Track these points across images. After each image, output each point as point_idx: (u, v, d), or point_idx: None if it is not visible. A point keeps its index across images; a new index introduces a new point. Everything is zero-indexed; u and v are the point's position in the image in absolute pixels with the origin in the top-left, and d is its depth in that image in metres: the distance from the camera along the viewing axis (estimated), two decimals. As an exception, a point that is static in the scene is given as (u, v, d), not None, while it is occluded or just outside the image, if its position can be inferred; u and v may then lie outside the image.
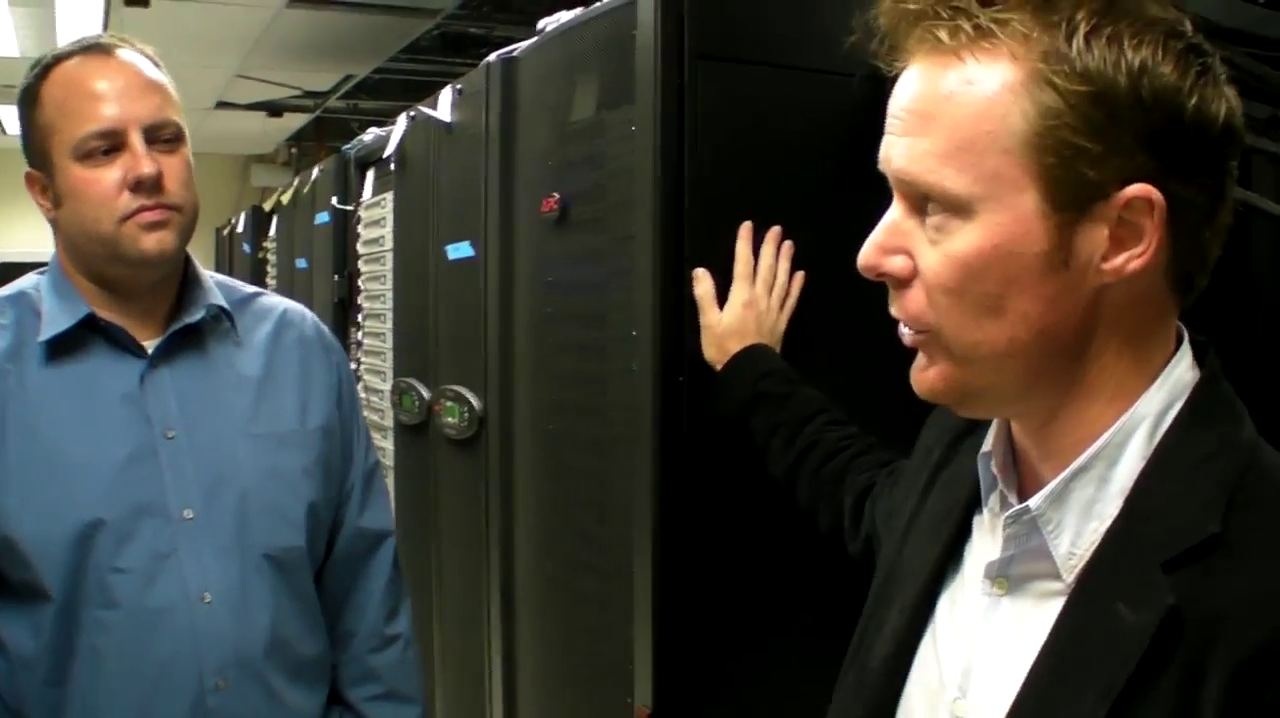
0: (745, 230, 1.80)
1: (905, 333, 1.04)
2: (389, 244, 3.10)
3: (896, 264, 1.01)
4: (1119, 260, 0.95)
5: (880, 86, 1.87)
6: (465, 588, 2.54)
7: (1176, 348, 1.03)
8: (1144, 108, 0.92)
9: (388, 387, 3.07)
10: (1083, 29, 0.92)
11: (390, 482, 3.10)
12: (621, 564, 1.90)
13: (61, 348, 1.71)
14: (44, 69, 1.72)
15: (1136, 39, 0.92)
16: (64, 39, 1.82)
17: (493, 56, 2.36)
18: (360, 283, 3.41)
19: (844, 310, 1.83)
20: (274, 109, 7.90)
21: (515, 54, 2.31)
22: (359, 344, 3.42)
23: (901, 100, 1.00)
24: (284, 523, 1.80)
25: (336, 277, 3.67)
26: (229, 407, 1.79)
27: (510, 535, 2.32)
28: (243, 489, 1.75)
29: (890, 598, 1.20)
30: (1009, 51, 0.94)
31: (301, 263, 4.30)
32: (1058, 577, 1.01)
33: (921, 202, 0.99)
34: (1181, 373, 1.01)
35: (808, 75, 1.87)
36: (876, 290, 1.10)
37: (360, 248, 3.39)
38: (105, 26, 5.69)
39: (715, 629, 1.83)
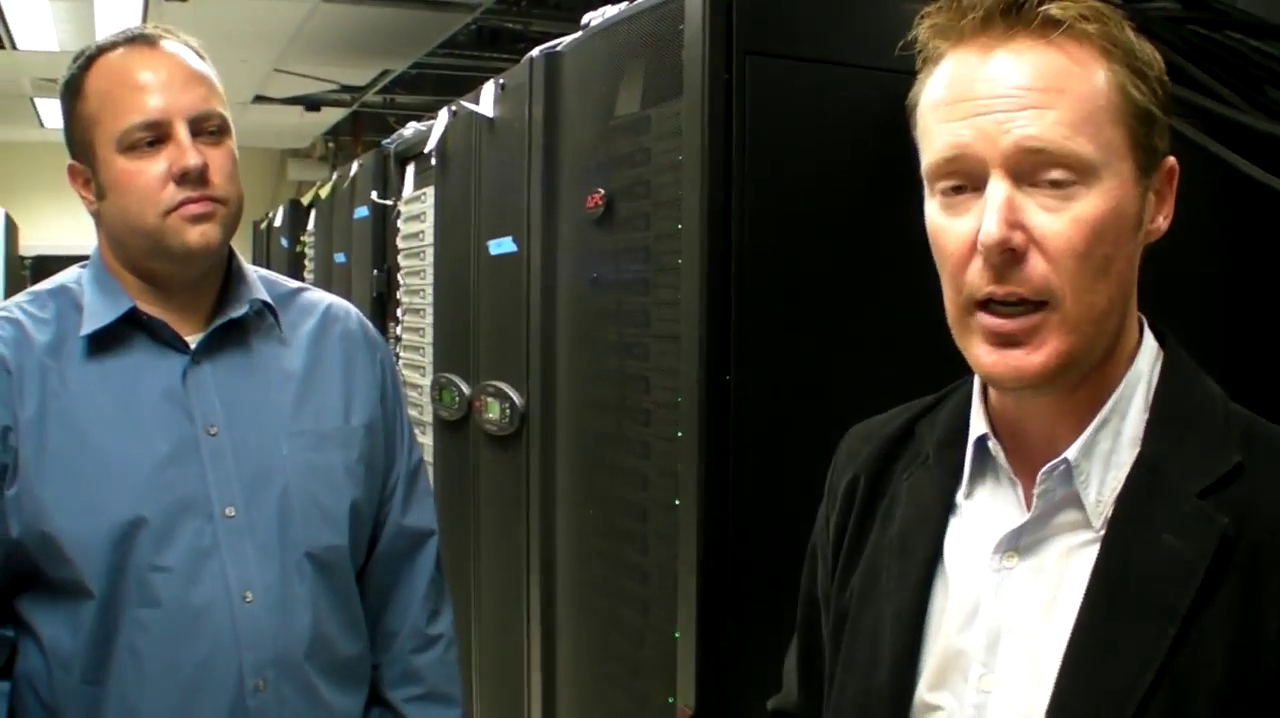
0: None
1: (1009, 323, 1.07)
2: (429, 239, 3.10)
3: (1020, 237, 1.05)
4: (1159, 220, 1.12)
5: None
6: (505, 585, 2.53)
7: None
8: (1165, 91, 1.09)
9: (427, 382, 3.07)
10: (1127, 27, 1.09)
11: (429, 478, 3.10)
12: (664, 564, 1.88)
13: (103, 343, 1.68)
14: (88, 60, 1.70)
15: (1134, 30, 1.09)
16: (103, 33, 1.79)
17: (536, 51, 2.35)
18: (400, 278, 3.40)
19: (892, 302, 1.82)
20: (311, 104, 7.93)
21: (559, 48, 2.30)
22: (398, 339, 3.42)
23: (1015, 79, 1.06)
24: (326, 522, 1.78)
25: (375, 271, 3.67)
26: (272, 403, 1.77)
27: (551, 534, 2.31)
28: (285, 487, 1.73)
29: (862, 621, 1.26)
30: (1094, 44, 1.06)
31: (340, 257, 4.30)
32: (1086, 526, 1.11)
33: (1033, 173, 1.05)
34: (1149, 340, 1.15)
35: (855, 71, 1.86)
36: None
37: (400, 242, 3.39)
38: (144, 20, 5.73)
39: (758, 630, 1.82)
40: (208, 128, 1.68)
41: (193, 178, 1.64)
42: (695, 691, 1.80)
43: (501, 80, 2.57)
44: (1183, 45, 2.06)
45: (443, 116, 2.93)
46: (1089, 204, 1.04)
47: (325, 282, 4.58)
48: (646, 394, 1.95)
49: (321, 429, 1.80)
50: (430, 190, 3.09)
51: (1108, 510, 1.09)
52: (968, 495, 1.21)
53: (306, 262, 5.30)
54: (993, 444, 1.18)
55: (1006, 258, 1.05)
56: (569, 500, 2.25)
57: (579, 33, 2.23)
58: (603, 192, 2.03)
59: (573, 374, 2.23)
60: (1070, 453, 1.10)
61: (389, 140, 3.63)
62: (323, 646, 1.75)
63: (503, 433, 2.48)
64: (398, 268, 3.43)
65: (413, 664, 1.91)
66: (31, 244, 11.17)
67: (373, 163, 3.74)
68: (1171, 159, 1.10)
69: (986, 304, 1.08)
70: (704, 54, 1.75)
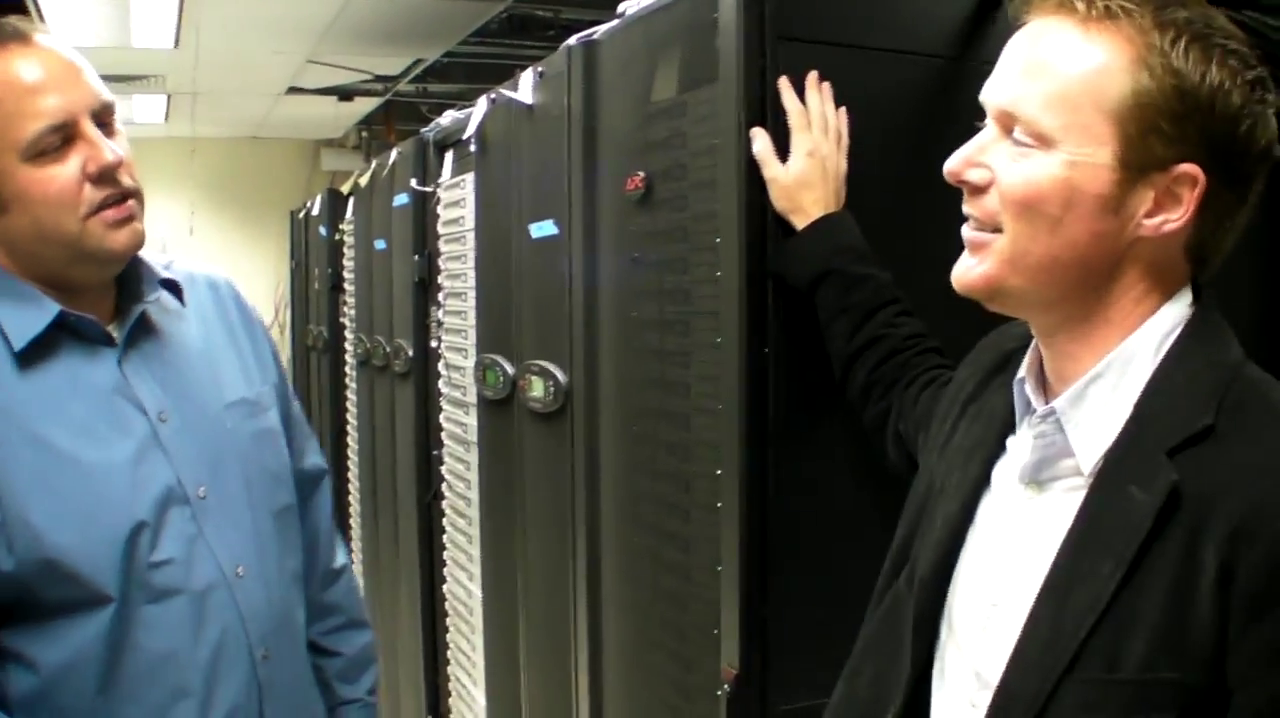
0: (786, 83, 1.83)
1: (970, 233, 1.26)
2: (470, 224, 3.16)
3: (976, 175, 1.24)
4: (1158, 220, 1.18)
5: (959, 69, 1.92)
6: (551, 559, 2.60)
7: None
8: (1212, 115, 1.15)
9: (470, 363, 3.14)
10: (1185, 37, 1.15)
11: (474, 457, 3.17)
12: (707, 533, 1.95)
13: (31, 355, 1.61)
14: None
15: (1221, 61, 1.15)
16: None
17: (573, 39, 2.41)
18: (440, 262, 3.47)
19: (927, 277, 1.88)
20: (344, 94, 7.97)
21: (596, 37, 2.36)
22: (439, 323, 3.48)
23: (1024, 47, 1.22)
24: (278, 484, 1.83)
25: (416, 257, 3.73)
26: (199, 380, 1.77)
27: (596, 507, 2.38)
28: (242, 457, 1.76)
29: (933, 514, 1.40)
30: (1125, 35, 1.16)
31: (380, 244, 4.37)
32: (1079, 473, 1.22)
33: (1011, 128, 1.20)
34: (1181, 307, 1.23)
35: (888, 56, 1.91)
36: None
37: (440, 228, 3.46)
38: (180, 14, 5.80)
39: (800, 592, 1.88)
40: (106, 118, 1.61)
41: (109, 175, 1.59)
42: (739, 652, 1.87)
43: (540, 69, 2.63)
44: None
45: (481, 104, 2.99)
46: (1039, 165, 1.18)
47: (366, 268, 4.66)
48: (686, 369, 2.02)
49: (249, 396, 1.84)
50: (470, 176, 3.15)
51: (1098, 458, 1.20)
52: (1018, 426, 1.34)
53: (345, 249, 5.37)
54: (1021, 388, 1.32)
55: (968, 189, 1.25)
56: (613, 473, 2.32)
57: (615, 21, 2.29)
58: (643, 174, 2.10)
59: (615, 351, 2.30)
60: (1058, 403, 1.24)
61: (428, 129, 3.69)
62: (294, 605, 1.82)
63: (547, 410, 2.55)
64: (438, 253, 3.49)
65: (328, 599, 2.00)
66: None
67: (412, 150, 3.81)
68: (1185, 168, 1.16)
69: (968, 219, 1.27)
70: (738, 40, 1.81)
